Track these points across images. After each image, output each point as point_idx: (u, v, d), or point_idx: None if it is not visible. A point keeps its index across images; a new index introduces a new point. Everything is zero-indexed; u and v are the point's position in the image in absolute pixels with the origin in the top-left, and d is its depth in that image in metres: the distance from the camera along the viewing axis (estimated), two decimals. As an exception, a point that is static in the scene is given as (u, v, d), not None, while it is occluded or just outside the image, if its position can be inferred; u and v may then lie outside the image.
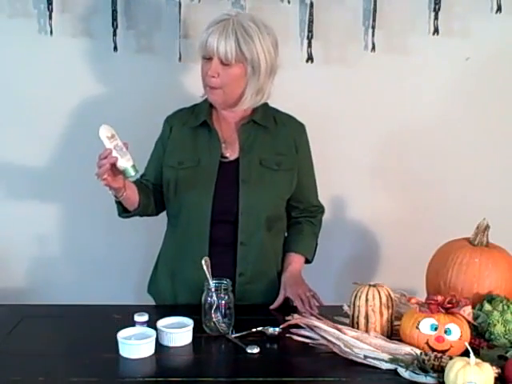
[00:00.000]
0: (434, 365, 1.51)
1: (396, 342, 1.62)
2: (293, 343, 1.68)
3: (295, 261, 2.02)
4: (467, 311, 1.61)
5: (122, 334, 1.61)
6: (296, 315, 1.77)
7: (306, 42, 2.39)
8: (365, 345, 1.60)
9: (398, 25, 2.40)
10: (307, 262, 2.06)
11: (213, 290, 1.71)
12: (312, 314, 1.77)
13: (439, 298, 1.62)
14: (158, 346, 1.62)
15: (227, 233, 1.92)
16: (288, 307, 1.90)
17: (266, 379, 1.51)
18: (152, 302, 2.06)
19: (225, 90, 1.89)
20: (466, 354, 1.46)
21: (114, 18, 2.33)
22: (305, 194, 2.06)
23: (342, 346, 1.60)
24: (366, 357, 1.56)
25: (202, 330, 1.70)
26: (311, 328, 1.70)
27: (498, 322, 1.66)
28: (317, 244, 2.10)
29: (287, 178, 1.98)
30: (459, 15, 2.40)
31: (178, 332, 1.65)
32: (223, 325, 1.69)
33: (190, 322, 1.69)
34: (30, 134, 2.41)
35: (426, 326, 1.58)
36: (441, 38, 2.40)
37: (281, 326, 1.72)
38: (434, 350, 1.56)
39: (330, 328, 1.67)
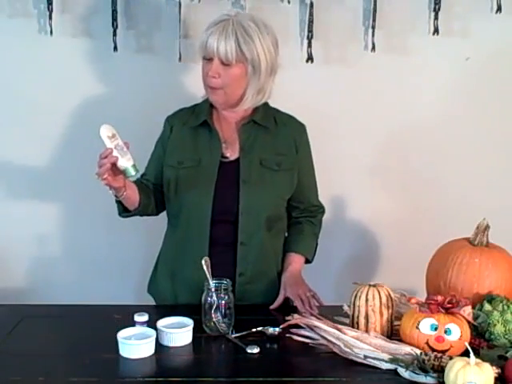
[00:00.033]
0: (434, 365, 1.51)
1: (396, 342, 1.62)
2: (293, 343, 1.68)
3: (295, 261, 2.02)
4: (467, 311, 1.61)
5: (121, 334, 1.61)
6: (296, 315, 1.77)
7: (306, 41, 2.39)
8: (365, 345, 1.60)
9: (398, 25, 2.40)
10: (307, 262, 2.06)
11: (213, 290, 1.71)
12: (312, 314, 1.77)
13: (439, 298, 1.62)
14: (158, 345, 1.62)
15: (227, 233, 1.92)
16: (288, 307, 1.90)
17: (266, 379, 1.51)
18: (152, 302, 2.06)
19: (226, 91, 1.89)
20: (466, 354, 1.46)
21: (114, 18, 2.33)
22: (305, 194, 2.06)
23: (342, 345, 1.60)
24: (366, 357, 1.56)
25: (202, 330, 1.70)
26: (311, 328, 1.70)
27: (498, 321, 1.66)
28: (317, 244, 2.10)
29: (287, 178, 1.98)
30: (459, 15, 2.40)
31: (178, 332, 1.65)
32: (223, 325, 1.69)
33: (190, 321, 1.69)
34: (30, 133, 2.41)
35: (426, 326, 1.58)
36: (441, 38, 2.40)
37: (281, 326, 1.72)
38: (434, 350, 1.56)
39: (330, 328, 1.67)
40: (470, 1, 2.40)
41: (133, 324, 1.68)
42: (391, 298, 1.70)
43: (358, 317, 1.69)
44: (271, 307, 1.90)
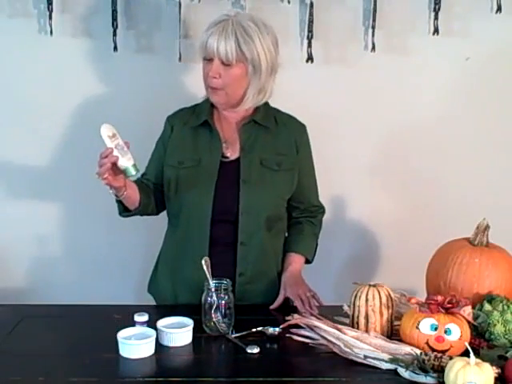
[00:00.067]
0: (434, 365, 1.51)
1: (396, 342, 1.62)
2: (293, 343, 1.68)
3: (295, 261, 2.02)
4: (467, 311, 1.61)
5: (121, 334, 1.61)
6: (296, 315, 1.77)
7: (306, 41, 2.39)
8: (365, 345, 1.60)
9: (398, 25, 2.40)
10: (307, 262, 2.06)
11: (213, 290, 1.71)
12: (312, 314, 1.77)
13: (439, 298, 1.62)
14: (158, 345, 1.62)
15: (227, 232, 1.92)
16: (288, 307, 1.90)
17: (266, 379, 1.51)
18: (152, 302, 2.06)
19: (227, 91, 1.89)
20: (466, 354, 1.46)
21: (114, 18, 2.33)
22: (305, 195, 2.06)
23: (342, 345, 1.60)
24: (366, 357, 1.56)
25: (202, 330, 1.70)
26: (311, 328, 1.70)
27: (498, 321, 1.66)
28: (317, 244, 2.10)
29: (288, 178, 1.98)
30: (459, 15, 2.40)
31: (178, 332, 1.65)
32: (223, 325, 1.69)
33: (190, 321, 1.69)
34: (30, 133, 2.41)
35: (426, 326, 1.58)
36: (441, 38, 2.40)
37: (281, 326, 1.72)
38: (434, 350, 1.56)
39: (330, 328, 1.67)
40: (470, 1, 2.40)
41: (133, 324, 1.67)
42: (391, 298, 1.70)
43: (358, 317, 1.69)
44: (271, 307, 1.90)
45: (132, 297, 2.34)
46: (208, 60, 1.87)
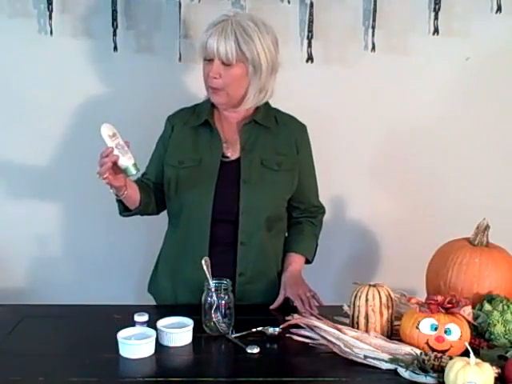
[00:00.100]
0: (434, 365, 1.51)
1: (396, 342, 1.62)
2: (293, 343, 1.68)
3: (295, 261, 2.02)
4: (467, 311, 1.61)
5: (121, 334, 1.61)
6: (296, 315, 1.77)
7: (306, 41, 2.39)
8: (365, 345, 1.60)
9: (398, 25, 2.40)
10: (307, 262, 2.06)
11: (213, 290, 1.71)
12: (312, 314, 1.77)
13: (439, 298, 1.62)
14: (158, 345, 1.62)
15: (227, 232, 1.92)
16: (288, 307, 1.90)
17: (266, 379, 1.51)
18: (152, 302, 2.06)
19: (228, 91, 1.89)
20: (466, 354, 1.46)
21: (114, 18, 2.33)
22: (306, 195, 2.06)
23: (342, 345, 1.60)
24: (366, 357, 1.56)
25: (202, 330, 1.70)
26: (311, 328, 1.70)
27: (498, 321, 1.66)
28: (317, 245, 2.10)
29: (288, 178, 1.98)
30: (459, 15, 2.40)
31: (178, 332, 1.65)
32: (223, 325, 1.69)
33: (190, 322, 1.69)
34: (30, 133, 2.41)
35: (426, 326, 1.58)
36: (441, 37, 2.40)
37: (281, 326, 1.72)
38: (434, 350, 1.56)
39: (330, 328, 1.67)
40: (470, 1, 2.40)
41: (133, 324, 1.67)
42: (391, 298, 1.70)
43: (358, 317, 1.69)
44: (271, 307, 1.90)
45: (132, 297, 2.34)
46: (208, 60, 1.88)
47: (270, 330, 1.71)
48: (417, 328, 1.59)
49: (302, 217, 2.08)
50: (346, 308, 1.76)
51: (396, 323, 1.70)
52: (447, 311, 1.61)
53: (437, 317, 1.59)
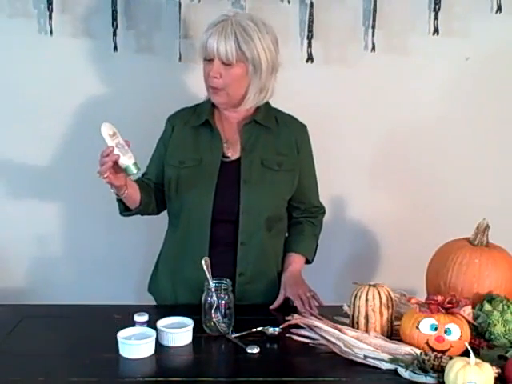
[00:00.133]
0: (434, 365, 1.51)
1: (396, 342, 1.62)
2: (293, 343, 1.68)
3: (295, 261, 2.02)
4: (467, 311, 1.61)
5: (122, 334, 1.61)
6: (296, 315, 1.77)
7: (306, 41, 2.39)
8: (365, 345, 1.60)
9: (398, 25, 2.40)
10: (307, 262, 2.06)
11: (213, 290, 1.71)
12: (312, 314, 1.77)
13: (439, 298, 1.62)
14: (158, 345, 1.62)
15: (228, 232, 1.92)
16: (288, 307, 1.90)
17: (266, 379, 1.51)
18: (152, 302, 2.06)
19: (228, 91, 1.89)
20: (466, 354, 1.46)
21: (114, 18, 2.33)
22: (306, 195, 2.06)
23: (342, 345, 1.60)
24: (366, 357, 1.56)
25: (202, 330, 1.70)
26: (311, 328, 1.70)
27: (498, 321, 1.66)
28: (317, 245, 2.10)
29: (288, 178, 1.98)
30: (459, 15, 2.40)
31: (178, 332, 1.65)
32: (223, 325, 1.69)
33: (190, 322, 1.69)
34: (30, 133, 2.41)
35: (426, 326, 1.58)
36: (441, 38, 2.40)
37: (281, 326, 1.72)
38: (434, 350, 1.56)
39: (330, 328, 1.67)
40: (470, 1, 2.40)
41: (133, 324, 1.67)
42: (391, 298, 1.70)
43: (358, 317, 1.69)
44: (271, 307, 1.90)
45: (132, 297, 2.34)
46: (208, 60, 1.88)
47: (270, 329, 1.71)
48: (417, 328, 1.59)
49: (302, 217, 2.08)
50: (345, 308, 1.76)
51: (396, 323, 1.70)
52: (447, 311, 1.61)
53: (437, 317, 1.59)
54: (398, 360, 1.54)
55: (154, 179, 2.02)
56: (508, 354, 1.56)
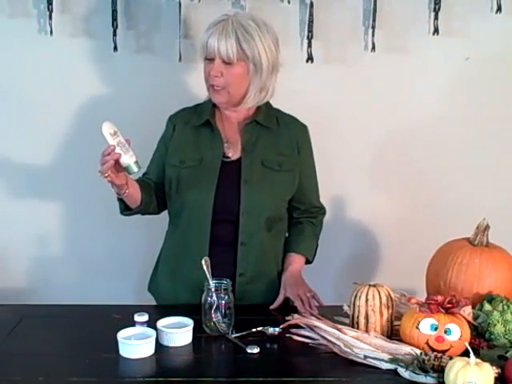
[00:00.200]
0: (434, 365, 1.51)
1: (396, 342, 1.62)
2: (293, 343, 1.68)
3: (296, 261, 2.02)
4: (467, 311, 1.61)
5: (121, 334, 1.60)
6: (296, 315, 1.77)
7: (306, 41, 2.39)
8: (365, 345, 1.60)
9: (398, 25, 2.40)
10: (308, 262, 2.06)
11: (213, 290, 1.71)
12: (312, 314, 1.77)
13: (439, 298, 1.62)
14: (158, 346, 1.62)
15: (228, 232, 1.92)
16: (288, 307, 1.90)
17: (266, 379, 1.51)
18: (152, 302, 2.07)
19: (229, 90, 1.89)
20: (466, 354, 1.46)
21: (114, 18, 2.33)
22: (306, 195, 2.06)
23: (342, 345, 1.60)
24: (366, 357, 1.56)
25: (202, 330, 1.70)
26: (311, 328, 1.70)
27: (498, 321, 1.66)
28: (317, 245, 2.10)
29: (288, 178, 1.98)
30: (459, 15, 2.40)
31: (178, 332, 1.65)
32: (223, 325, 1.69)
33: (190, 321, 1.69)
34: (30, 133, 2.41)
35: (426, 326, 1.58)
36: (441, 37, 2.40)
37: (281, 326, 1.72)
38: (434, 350, 1.56)
39: (330, 328, 1.67)
40: (470, 1, 2.40)
41: (133, 324, 1.67)
42: (391, 298, 1.70)
43: (358, 317, 1.69)
44: (271, 307, 1.90)
45: (132, 297, 2.34)
46: (209, 60, 1.88)
47: (270, 329, 1.71)
48: (417, 328, 1.59)
49: (302, 217, 2.08)
50: (346, 308, 1.76)
51: (396, 323, 1.70)
52: (447, 311, 1.61)
53: (437, 317, 1.59)
54: (397, 360, 1.54)
55: (154, 179, 2.02)
56: (508, 354, 1.56)
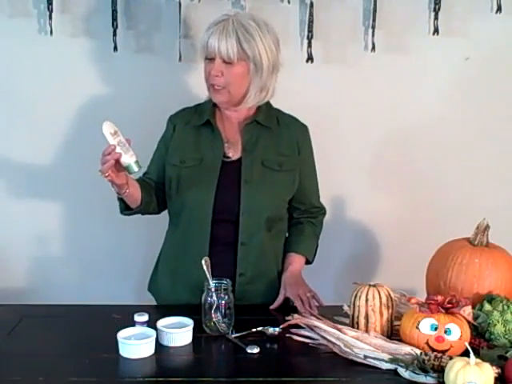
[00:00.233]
0: (434, 365, 1.51)
1: (396, 342, 1.62)
2: (293, 343, 1.68)
3: (296, 261, 2.02)
4: (467, 311, 1.61)
5: (122, 334, 1.61)
6: (296, 315, 1.77)
7: (306, 41, 2.39)
8: (365, 345, 1.60)
9: (398, 25, 2.40)
10: (308, 262, 2.06)
11: (213, 290, 1.71)
12: (312, 314, 1.77)
13: (439, 298, 1.62)
14: (158, 346, 1.62)
15: (228, 232, 1.92)
16: (288, 307, 1.90)
17: (266, 379, 1.51)
18: (153, 302, 2.07)
19: (229, 89, 1.89)
20: (466, 354, 1.46)
21: (114, 18, 2.33)
22: (306, 196, 2.06)
23: (342, 345, 1.60)
24: (366, 357, 1.56)
25: (202, 330, 1.70)
26: (311, 328, 1.70)
27: (498, 321, 1.66)
28: (317, 245, 2.10)
29: (289, 178, 1.98)
30: (459, 15, 2.40)
31: (178, 332, 1.65)
32: (223, 325, 1.69)
33: (190, 321, 1.69)
34: (30, 133, 2.41)
35: (426, 326, 1.58)
36: (441, 37, 2.39)
37: (281, 326, 1.72)
38: (434, 350, 1.56)
39: (330, 328, 1.67)
40: (470, 1, 2.40)
41: (133, 324, 1.67)
42: (391, 297, 1.70)
43: (358, 317, 1.69)
44: (271, 307, 1.90)
45: (132, 297, 2.34)
46: (209, 59, 1.88)
47: (270, 329, 1.71)
48: (417, 328, 1.59)
49: (302, 217, 2.08)
50: (346, 308, 1.76)
51: (396, 323, 1.70)
52: (447, 311, 1.61)
53: (437, 317, 1.59)
54: (397, 360, 1.54)
55: (154, 178, 2.02)
56: (508, 354, 1.56)
